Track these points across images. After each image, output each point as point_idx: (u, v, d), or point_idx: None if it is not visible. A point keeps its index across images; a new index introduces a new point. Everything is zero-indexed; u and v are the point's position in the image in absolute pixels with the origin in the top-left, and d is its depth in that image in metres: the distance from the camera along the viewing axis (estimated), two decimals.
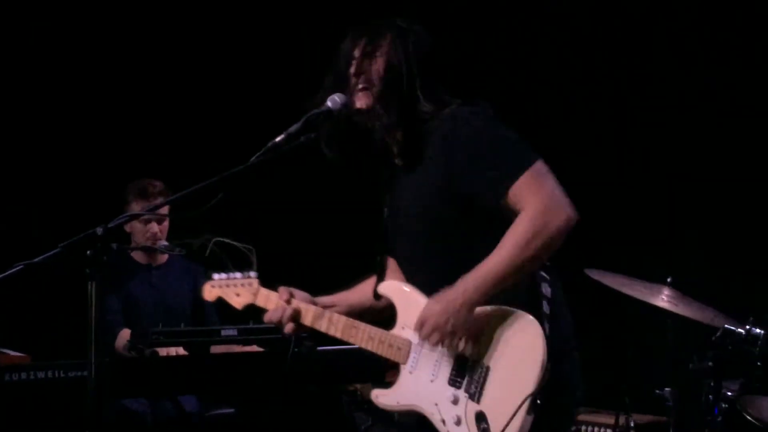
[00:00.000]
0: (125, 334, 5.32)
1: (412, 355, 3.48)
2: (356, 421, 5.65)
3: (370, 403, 5.23)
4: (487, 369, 3.33)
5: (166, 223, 5.86)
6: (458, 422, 3.36)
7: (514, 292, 3.31)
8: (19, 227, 6.52)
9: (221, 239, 3.80)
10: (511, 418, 3.24)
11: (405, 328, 3.50)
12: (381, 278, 3.62)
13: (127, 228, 5.84)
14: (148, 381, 4.97)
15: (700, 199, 6.31)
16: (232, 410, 5.70)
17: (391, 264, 3.67)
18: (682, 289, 4.88)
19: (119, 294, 5.77)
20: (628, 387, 5.41)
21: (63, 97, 6.87)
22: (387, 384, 3.54)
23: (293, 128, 3.58)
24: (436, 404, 3.41)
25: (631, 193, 6.47)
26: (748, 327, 4.42)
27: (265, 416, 5.25)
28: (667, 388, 5.10)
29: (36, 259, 3.34)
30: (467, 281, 3.30)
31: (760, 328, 4.39)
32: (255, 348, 5.35)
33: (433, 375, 3.43)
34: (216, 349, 5.33)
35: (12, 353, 4.95)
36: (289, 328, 3.69)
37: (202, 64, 7.10)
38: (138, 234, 5.84)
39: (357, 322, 3.60)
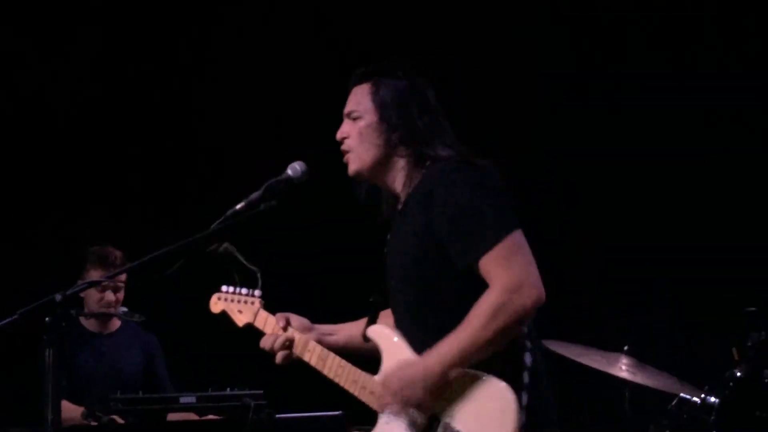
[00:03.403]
0: (65, 406, 5.26)
1: None
2: None
3: None
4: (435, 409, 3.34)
5: (122, 293, 5.80)
6: None
7: (496, 360, 3.31)
8: None
9: (233, 251, 3.77)
10: None
11: None
12: (372, 320, 3.62)
13: (81, 294, 5.78)
14: None
15: (655, 265, 6.37)
16: None
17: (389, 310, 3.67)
18: (639, 356, 4.90)
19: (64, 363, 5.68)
20: None
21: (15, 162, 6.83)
22: (368, 427, 3.55)
23: (253, 196, 3.65)
24: None
25: (585, 261, 6.52)
26: (703, 395, 4.44)
27: None
28: None
29: None
30: (430, 356, 3.32)
31: (715, 397, 4.41)
32: (213, 417, 5.31)
33: (407, 430, 3.42)
34: (173, 416, 5.30)
35: None
36: (279, 357, 3.69)
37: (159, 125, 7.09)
38: (92, 301, 5.76)
39: (345, 363, 3.60)
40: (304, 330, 3.72)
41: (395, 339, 3.50)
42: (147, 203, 6.97)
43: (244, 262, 3.74)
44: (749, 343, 4.35)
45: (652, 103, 6.49)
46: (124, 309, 5.55)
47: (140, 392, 5.20)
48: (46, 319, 3.37)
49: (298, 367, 3.71)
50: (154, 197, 6.98)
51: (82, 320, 5.87)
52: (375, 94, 3.52)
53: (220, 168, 6.90)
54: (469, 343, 3.27)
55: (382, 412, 3.43)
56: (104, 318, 5.85)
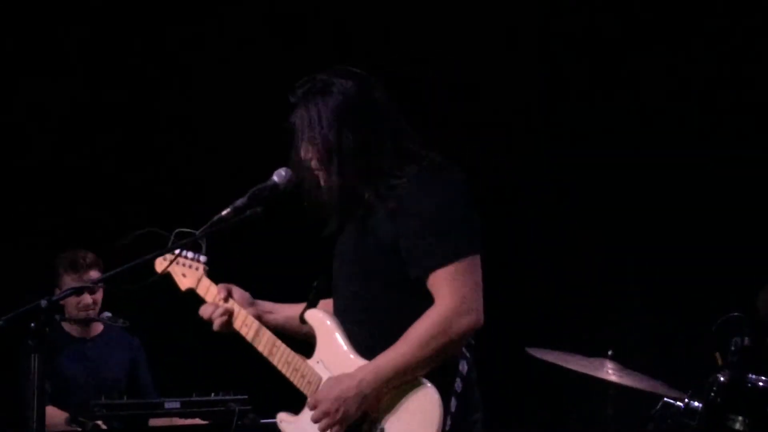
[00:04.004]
0: (49, 411, 5.25)
1: None
2: None
3: None
4: (382, 430, 3.38)
5: (100, 294, 5.80)
6: None
7: None
8: None
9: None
10: None
11: (319, 362, 3.53)
12: (312, 304, 3.63)
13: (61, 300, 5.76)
14: None
15: (637, 270, 6.38)
16: None
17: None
18: (622, 361, 4.92)
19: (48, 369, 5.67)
20: None
21: None
22: (296, 411, 3.56)
23: (239, 202, 3.62)
24: None
25: (568, 267, 6.53)
26: (687, 400, 4.46)
27: None
28: None
29: None
30: (365, 371, 3.36)
31: (698, 402, 4.44)
32: (197, 421, 5.32)
33: None
34: (157, 421, 5.30)
35: None
36: (217, 324, 3.70)
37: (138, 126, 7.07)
38: (71, 306, 5.77)
39: (280, 343, 3.62)
40: (245, 304, 3.73)
41: (332, 327, 3.52)
42: (140, 206, 6.95)
43: (193, 232, 3.71)
44: (732, 348, 4.37)
45: (652, 104, 6.52)
46: (108, 314, 5.57)
47: (124, 397, 5.21)
48: (31, 324, 3.35)
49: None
50: (147, 199, 6.97)
51: (65, 325, 5.88)
52: (318, 124, 3.48)
53: (215, 171, 6.88)
54: (404, 361, 3.32)
55: (318, 425, 3.44)
56: (86, 322, 5.85)
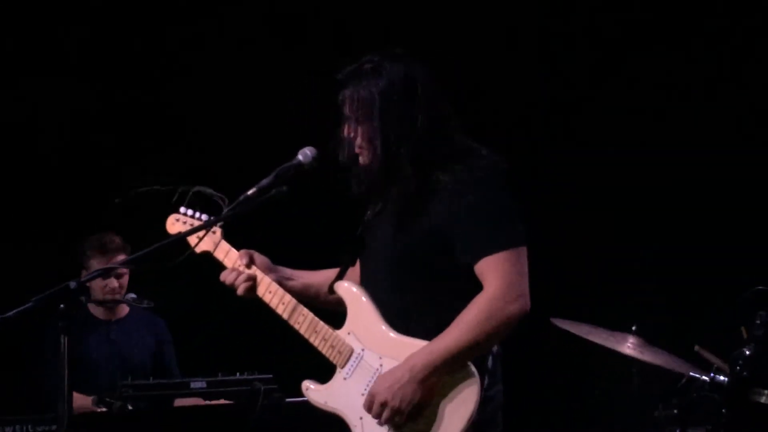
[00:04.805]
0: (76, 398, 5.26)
1: (350, 362, 3.54)
2: None
3: None
4: (417, 404, 3.41)
5: (126, 279, 5.82)
6: None
7: None
8: None
9: (198, 188, 3.75)
10: None
11: (351, 334, 3.55)
12: (341, 276, 3.67)
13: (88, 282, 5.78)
14: None
15: (662, 247, 6.45)
16: None
17: (355, 268, 3.71)
18: (646, 337, 4.97)
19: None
20: None
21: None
22: (321, 380, 3.61)
23: (264, 181, 3.64)
24: (361, 418, 3.49)
25: (595, 241, 6.58)
26: (712, 375, 4.51)
27: None
28: None
29: (8, 314, 3.31)
30: (417, 357, 3.40)
31: (723, 376, 4.48)
32: (222, 401, 5.32)
33: (365, 389, 3.49)
34: (183, 401, 5.30)
35: None
36: (241, 290, 3.69)
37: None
38: (96, 289, 5.78)
39: (306, 311, 3.63)
40: (266, 270, 3.73)
41: (364, 299, 3.55)
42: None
43: (209, 191, 3.71)
44: (758, 322, 4.42)
45: (652, 104, 6.59)
46: (133, 295, 5.58)
47: (150, 378, 5.22)
48: (60, 306, 3.35)
49: (308, 350, 3.71)
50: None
51: (90, 307, 5.90)
52: (367, 105, 3.52)
53: (214, 170, 6.87)
54: (456, 346, 3.36)
55: (381, 418, 3.46)
56: (112, 305, 5.86)
